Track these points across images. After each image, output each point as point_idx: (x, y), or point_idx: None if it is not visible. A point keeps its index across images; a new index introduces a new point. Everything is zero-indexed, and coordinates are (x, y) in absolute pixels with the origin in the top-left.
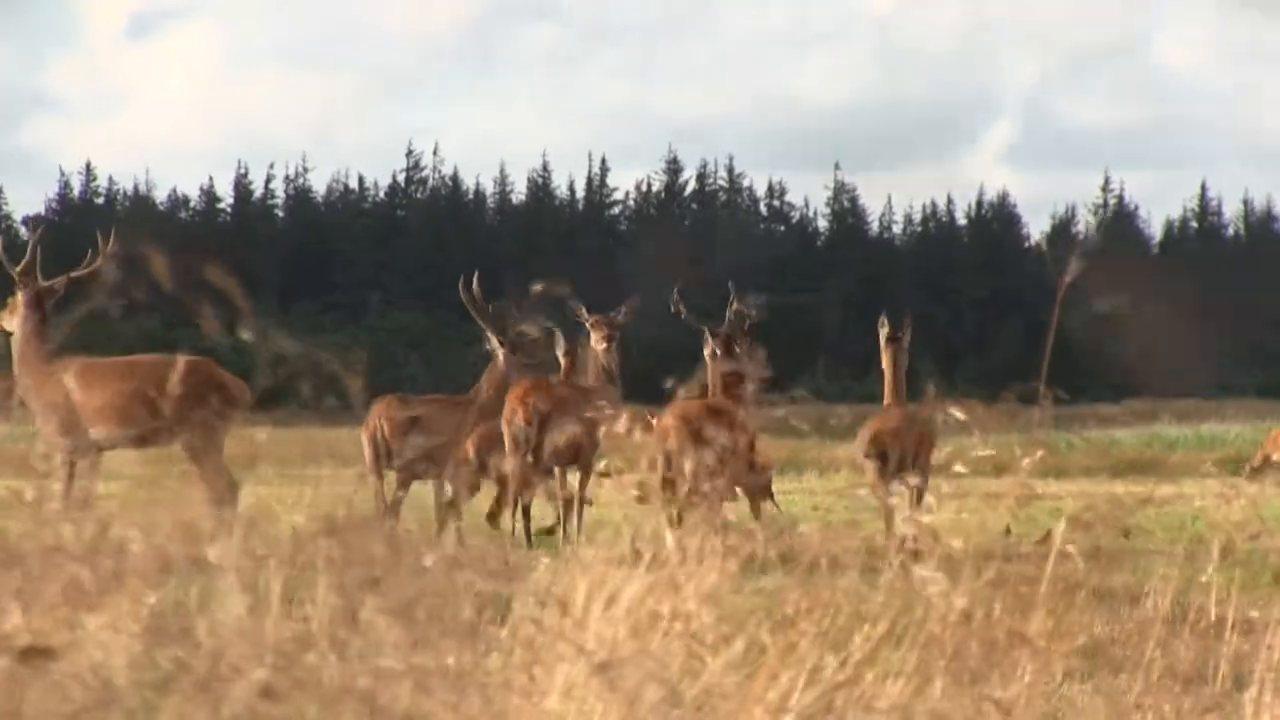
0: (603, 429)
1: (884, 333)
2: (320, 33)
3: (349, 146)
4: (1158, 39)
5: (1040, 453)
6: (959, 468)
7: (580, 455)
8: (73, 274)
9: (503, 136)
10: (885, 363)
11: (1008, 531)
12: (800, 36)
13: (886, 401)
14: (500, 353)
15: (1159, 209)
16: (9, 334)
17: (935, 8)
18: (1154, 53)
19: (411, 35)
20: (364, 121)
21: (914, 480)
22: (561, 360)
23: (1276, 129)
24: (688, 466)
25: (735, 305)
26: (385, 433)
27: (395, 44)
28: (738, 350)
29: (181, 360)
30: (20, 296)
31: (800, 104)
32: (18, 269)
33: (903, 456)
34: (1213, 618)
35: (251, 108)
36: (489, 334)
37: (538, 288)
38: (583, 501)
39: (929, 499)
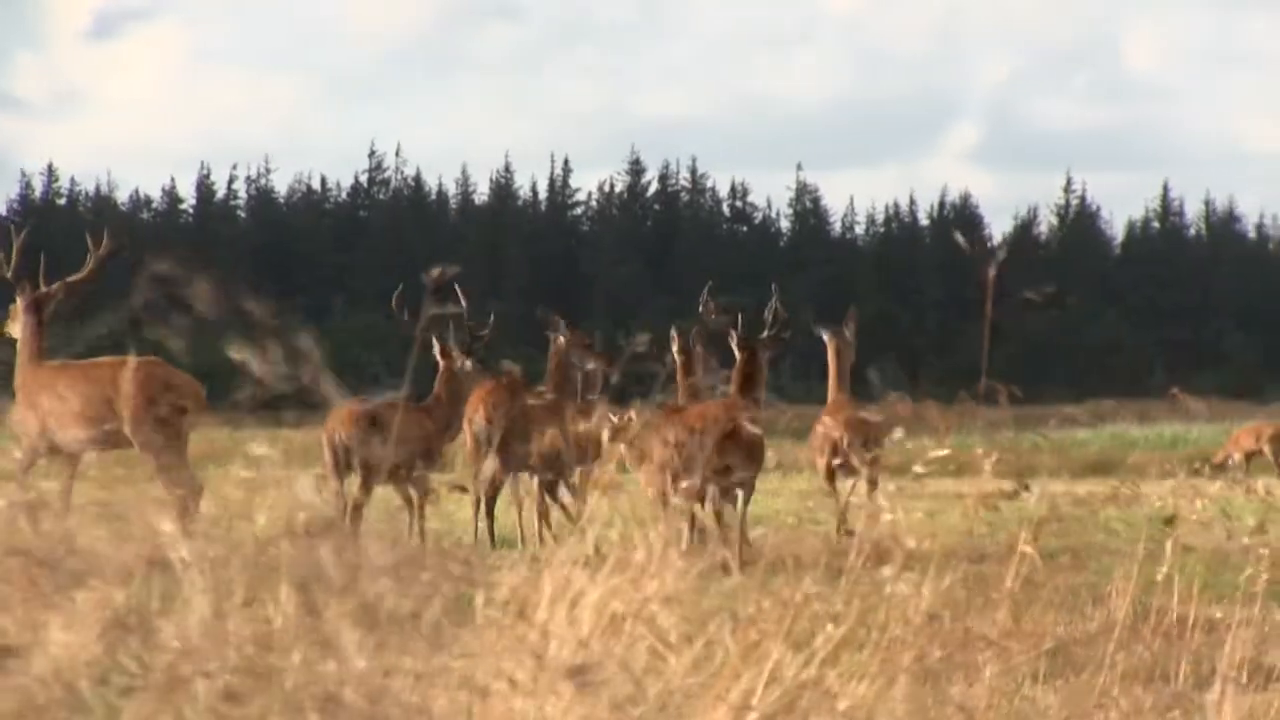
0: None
1: (825, 330)
2: (284, 34)
3: (312, 147)
4: (1124, 40)
5: (995, 455)
6: (918, 468)
7: (558, 462)
8: (70, 280)
9: (466, 137)
10: (830, 356)
11: (974, 532)
12: (766, 37)
13: (832, 396)
14: (447, 361)
15: (1123, 209)
16: (14, 340)
17: (903, 9)
18: (1120, 54)
19: (374, 36)
20: (327, 122)
21: (864, 472)
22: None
23: (1238, 129)
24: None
25: (775, 307)
26: (343, 437)
27: (358, 45)
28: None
29: (131, 361)
30: (20, 302)
31: (766, 105)
32: (9, 274)
33: (851, 447)
34: (1174, 617)
35: (214, 109)
36: (434, 341)
37: (434, 273)
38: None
39: (881, 499)
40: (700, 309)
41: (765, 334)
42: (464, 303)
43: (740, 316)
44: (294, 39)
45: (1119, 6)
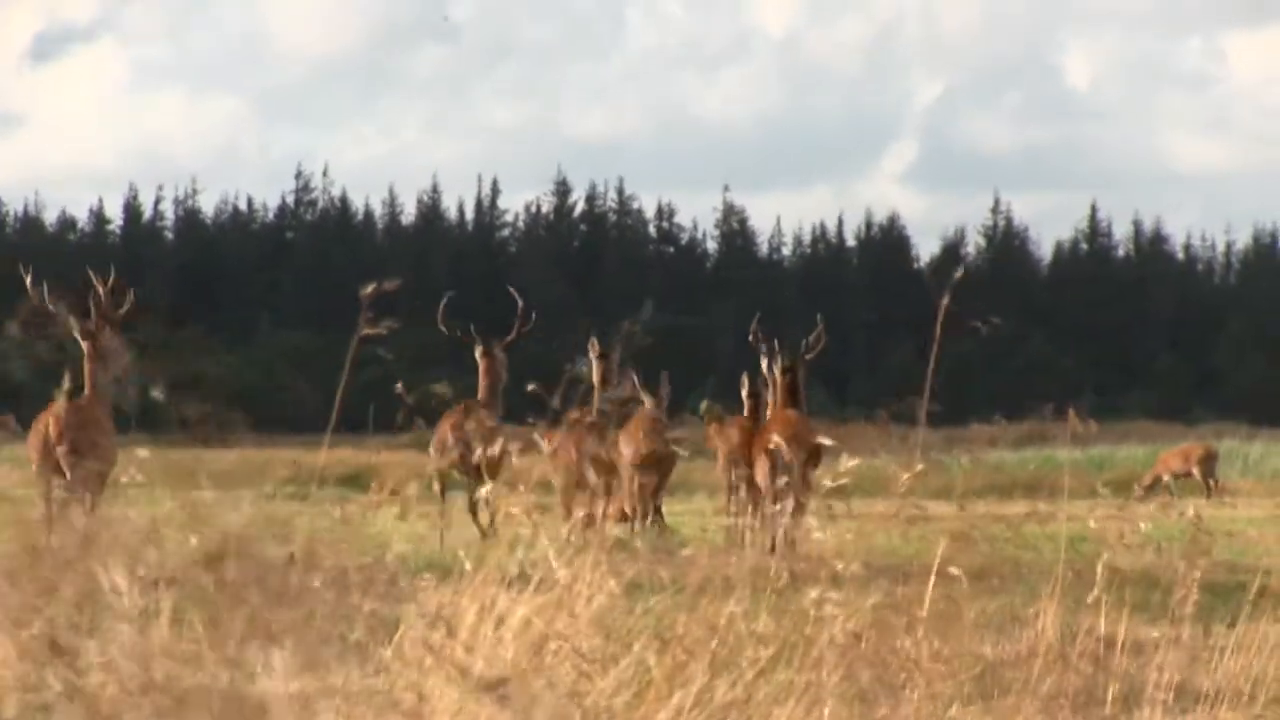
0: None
1: (779, 362)
2: (220, 54)
3: (241, 168)
4: (1058, 61)
5: (919, 468)
6: (827, 481)
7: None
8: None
9: (394, 157)
10: (777, 371)
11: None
12: (698, 57)
13: (780, 406)
14: (489, 360)
15: (1054, 230)
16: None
17: (837, 29)
18: (1053, 75)
19: (309, 56)
20: (257, 142)
21: (797, 490)
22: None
23: (1170, 149)
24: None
25: (820, 333)
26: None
27: (293, 65)
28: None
29: (57, 406)
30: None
31: (695, 125)
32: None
33: (794, 459)
34: (1102, 639)
35: (146, 129)
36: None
37: (367, 290)
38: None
39: (810, 519)
40: (750, 338)
41: (806, 356)
42: (518, 301)
43: (776, 342)
44: (230, 59)
45: (1054, 27)
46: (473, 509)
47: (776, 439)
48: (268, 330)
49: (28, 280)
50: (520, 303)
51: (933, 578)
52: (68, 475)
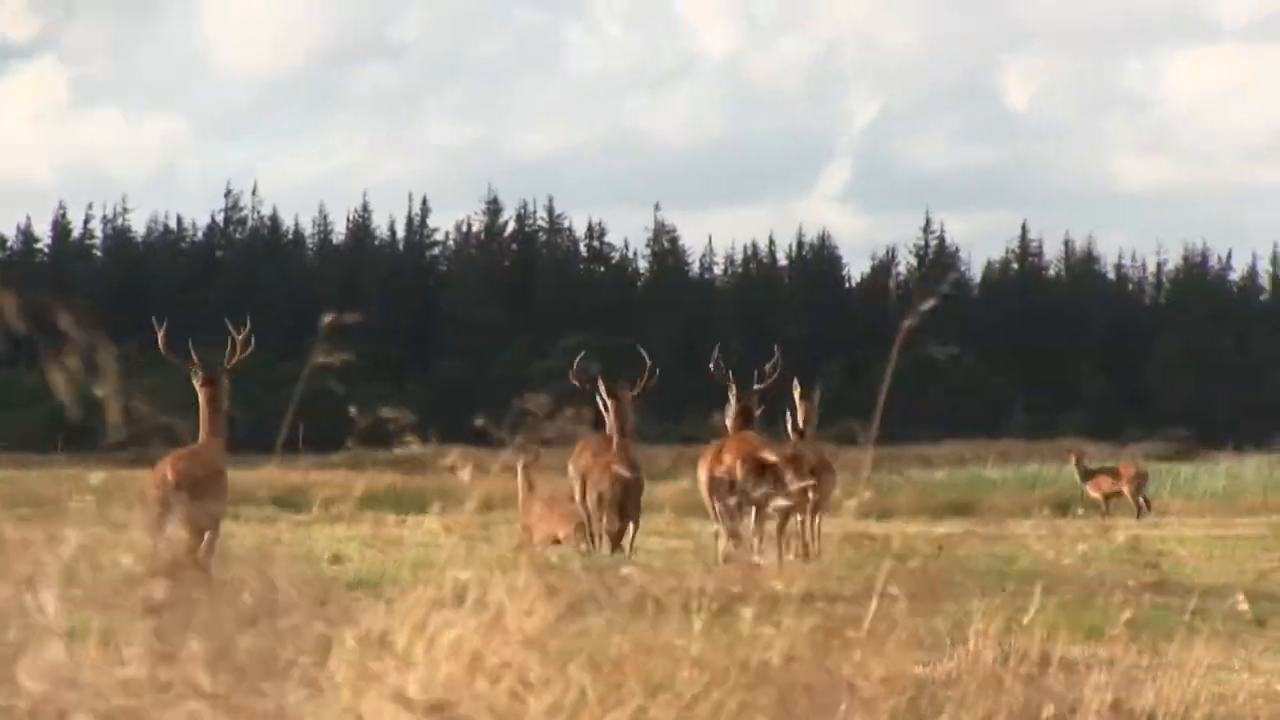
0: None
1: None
2: (161, 72)
3: (176, 186)
4: (996, 82)
5: (868, 494)
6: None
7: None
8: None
9: (330, 177)
10: (736, 406)
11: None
12: (640, 78)
13: (735, 429)
14: (618, 400)
15: (990, 250)
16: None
17: (779, 50)
18: (990, 96)
19: (253, 75)
20: (194, 161)
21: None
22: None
23: (1105, 170)
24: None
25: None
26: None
27: (236, 84)
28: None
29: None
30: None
31: (632, 145)
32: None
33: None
34: (1036, 658)
35: (80, 148)
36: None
37: (328, 319)
38: None
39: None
40: (711, 367)
41: (759, 386)
42: (646, 357)
43: (731, 372)
44: (171, 79)
45: (993, 49)
46: (616, 540)
47: (727, 461)
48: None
49: (161, 332)
50: (648, 359)
51: (876, 599)
52: (182, 518)
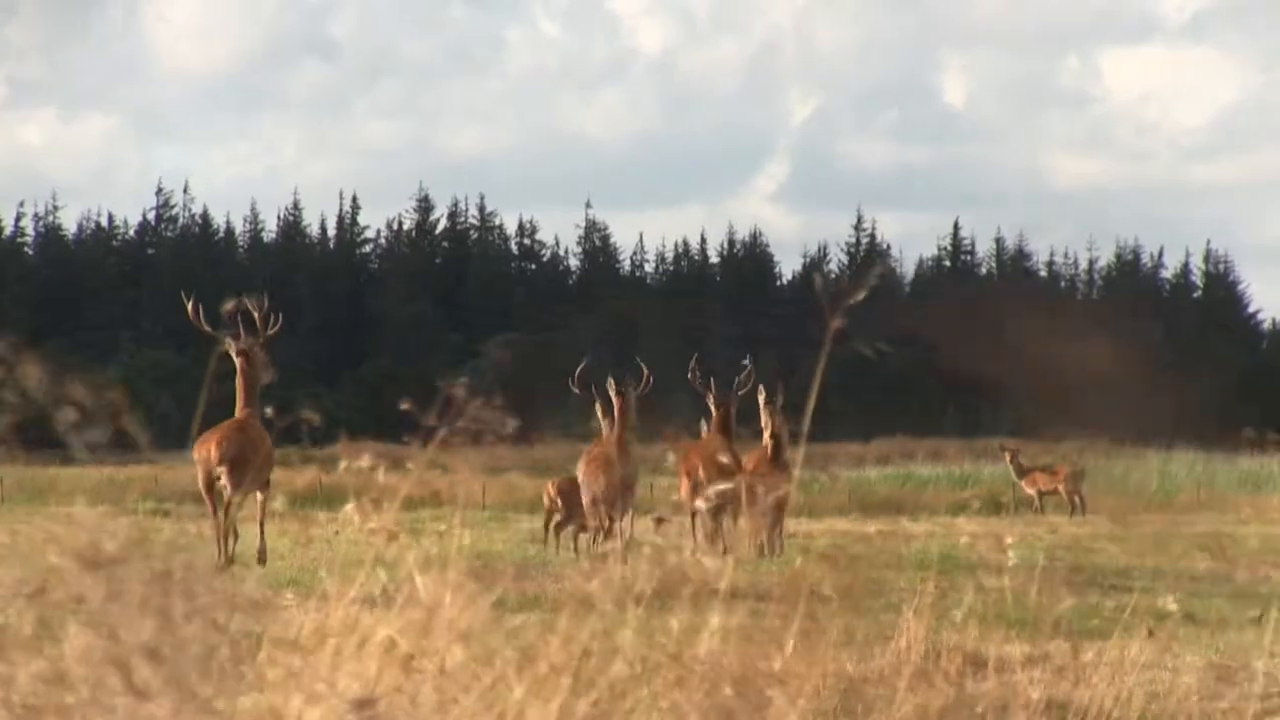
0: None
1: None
2: (93, 74)
3: (110, 185)
4: (934, 81)
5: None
6: (699, 503)
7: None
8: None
9: (263, 175)
10: (716, 412)
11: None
12: (576, 76)
13: (713, 432)
14: (622, 399)
15: (924, 248)
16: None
17: (716, 48)
18: (928, 94)
19: (189, 73)
20: (128, 161)
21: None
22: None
23: (1043, 168)
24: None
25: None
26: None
27: (171, 82)
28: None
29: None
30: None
31: (571, 144)
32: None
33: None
34: (968, 655)
35: (13, 147)
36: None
37: (229, 305)
38: None
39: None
40: (689, 375)
41: (737, 392)
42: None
43: (712, 380)
44: (107, 77)
45: (931, 47)
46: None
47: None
48: (129, 347)
49: (189, 304)
50: (646, 371)
51: (804, 597)
52: (230, 490)
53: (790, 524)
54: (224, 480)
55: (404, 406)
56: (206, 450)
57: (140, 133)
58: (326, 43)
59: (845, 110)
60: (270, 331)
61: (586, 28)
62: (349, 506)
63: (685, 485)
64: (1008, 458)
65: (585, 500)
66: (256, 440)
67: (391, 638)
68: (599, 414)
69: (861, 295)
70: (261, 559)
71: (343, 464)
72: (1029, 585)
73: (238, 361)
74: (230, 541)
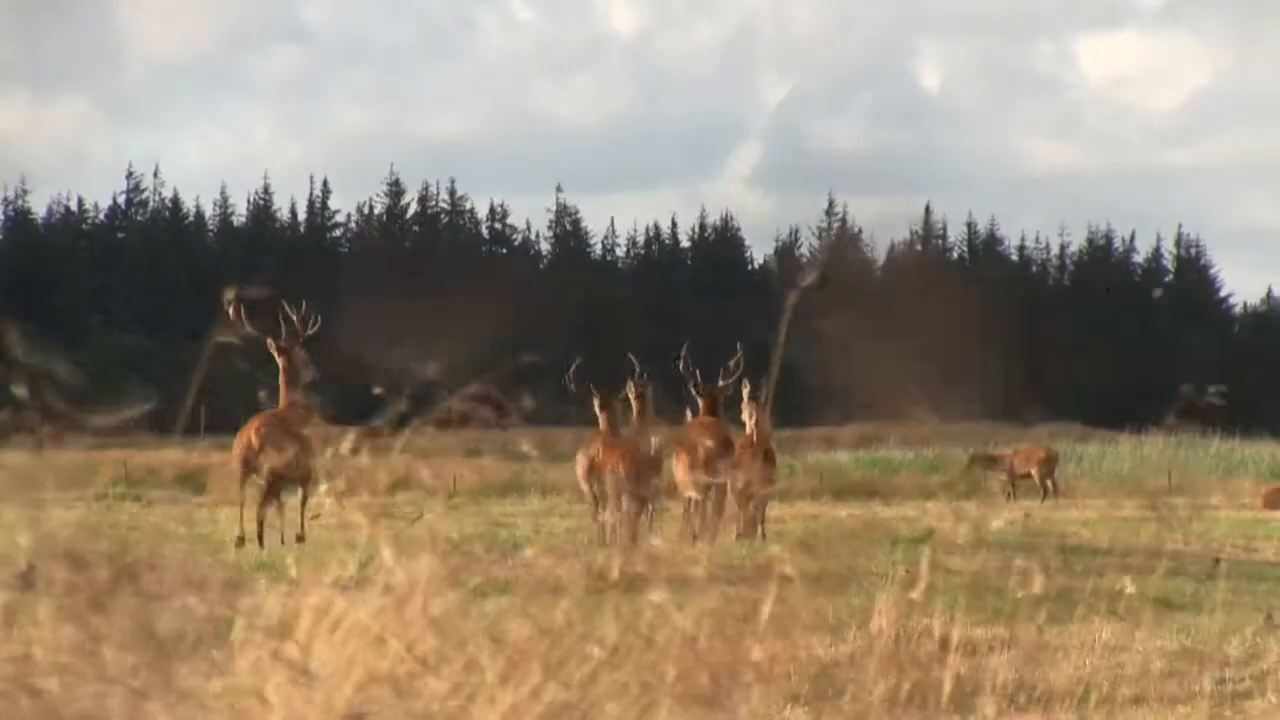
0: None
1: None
2: (66, 58)
3: (82, 170)
4: (909, 65)
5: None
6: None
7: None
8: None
9: (231, 159)
10: (703, 399)
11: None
12: (549, 60)
13: (703, 414)
14: (641, 402)
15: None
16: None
17: (688, 32)
18: (903, 78)
19: (161, 57)
20: (100, 145)
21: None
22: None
23: (1017, 152)
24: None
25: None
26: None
27: (143, 66)
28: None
29: (259, 417)
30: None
31: (544, 128)
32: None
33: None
34: (937, 639)
35: None
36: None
37: (229, 295)
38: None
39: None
40: (680, 364)
41: (722, 383)
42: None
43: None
44: (80, 60)
45: (906, 31)
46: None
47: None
48: (99, 331)
49: (228, 302)
50: (638, 369)
51: (776, 581)
52: (264, 474)
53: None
54: (259, 464)
55: (376, 391)
56: (246, 436)
57: (111, 116)
58: (300, 27)
59: (820, 94)
60: (310, 331)
61: (559, 11)
62: (323, 489)
63: (682, 467)
64: (970, 460)
65: (611, 490)
66: (294, 430)
67: (365, 621)
68: (597, 409)
69: (812, 278)
70: (301, 538)
71: (329, 450)
72: (999, 569)
73: (279, 359)
74: (263, 525)
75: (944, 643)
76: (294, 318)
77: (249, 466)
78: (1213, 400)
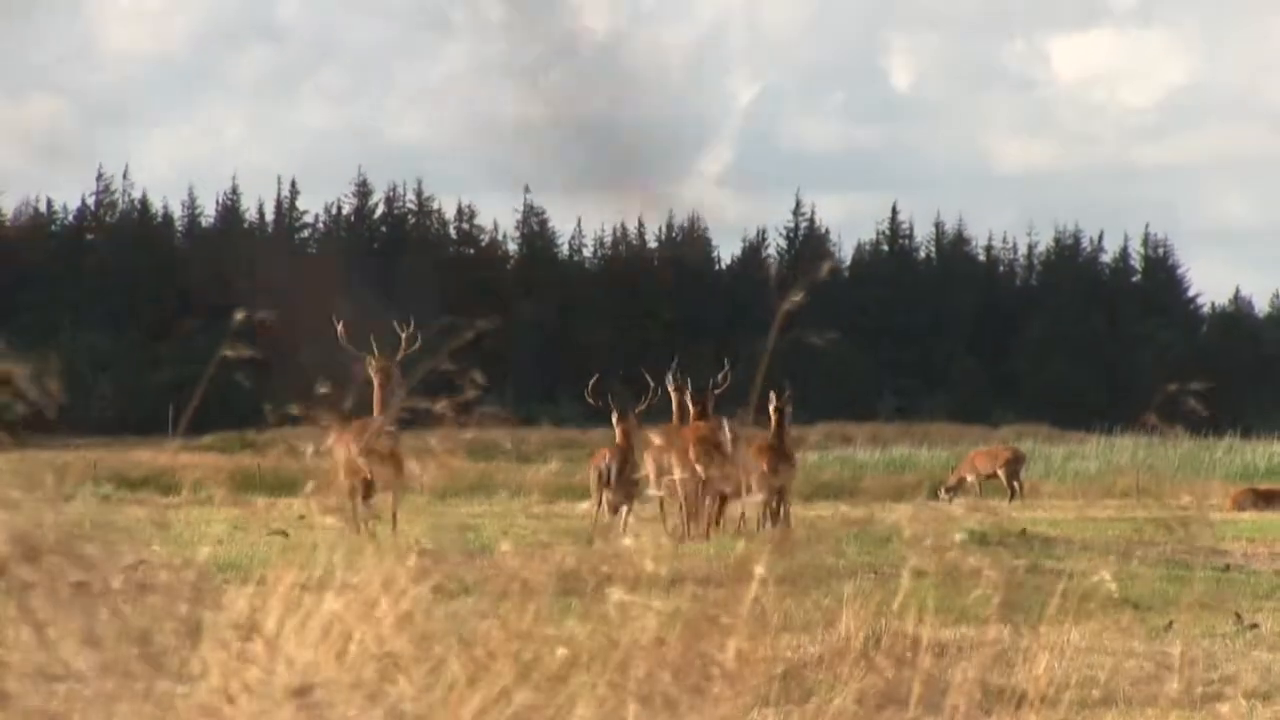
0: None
1: (772, 405)
2: (38, 56)
3: (49, 169)
4: (880, 63)
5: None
6: (651, 491)
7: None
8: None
9: (200, 159)
10: (693, 405)
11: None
12: (519, 62)
13: (694, 418)
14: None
15: (859, 232)
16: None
17: (660, 31)
18: (875, 76)
19: (132, 58)
20: (72, 145)
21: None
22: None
23: (988, 151)
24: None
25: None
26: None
27: (114, 67)
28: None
29: (355, 426)
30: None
31: (506, 128)
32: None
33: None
34: (907, 640)
35: None
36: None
37: (240, 315)
38: None
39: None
40: (672, 378)
41: (715, 390)
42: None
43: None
44: (52, 60)
45: (878, 29)
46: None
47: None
48: (68, 331)
49: (339, 327)
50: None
51: (753, 583)
52: (364, 478)
53: (730, 508)
54: (357, 470)
55: (322, 390)
56: (344, 445)
57: (82, 116)
58: (273, 26)
59: (790, 93)
60: (410, 350)
61: (531, 11)
62: (308, 489)
63: (678, 466)
64: (943, 494)
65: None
66: (387, 441)
67: (332, 621)
68: (614, 421)
69: (799, 296)
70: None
71: (309, 448)
72: (966, 570)
73: (375, 377)
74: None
75: (914, 643)
76: (402, 335)
77: (349, 472)
78: (1194, 399)
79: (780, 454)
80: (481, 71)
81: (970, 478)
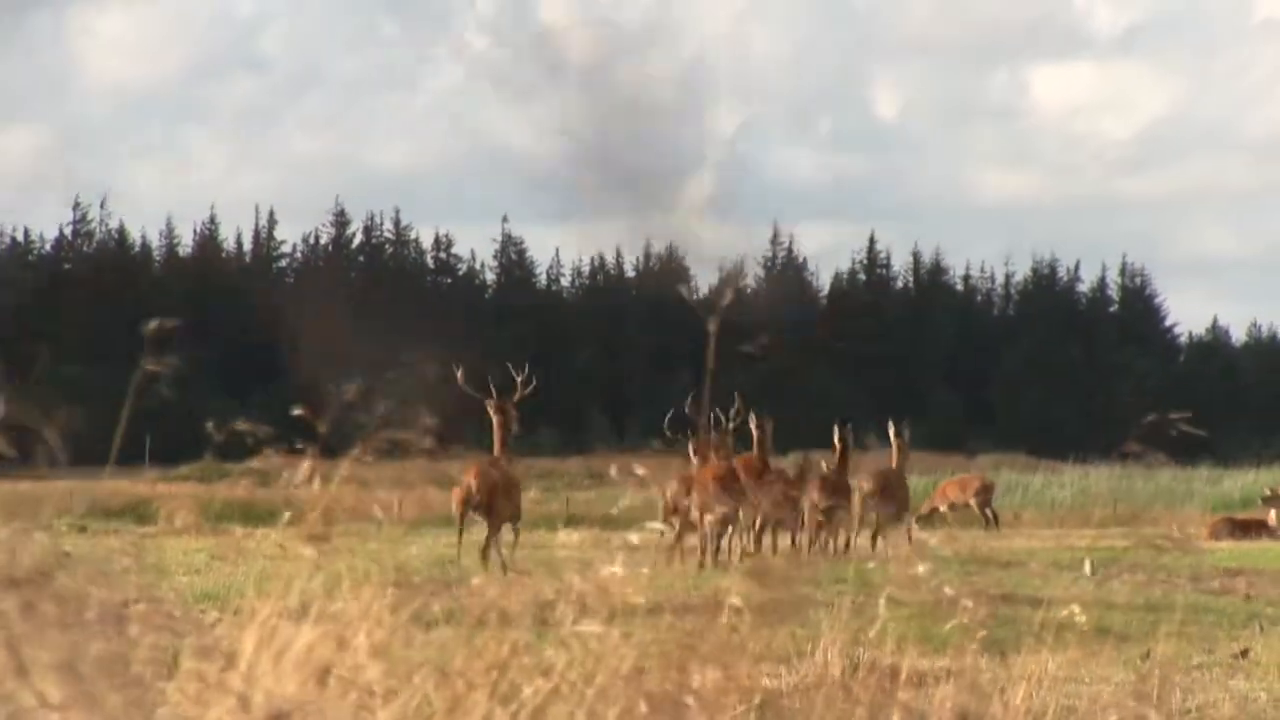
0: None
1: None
2: (22, 87)
3: (32, 200)
4: (864, 94)
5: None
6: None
7: None
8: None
9: (179, 190)
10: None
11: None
12: (503, 90)
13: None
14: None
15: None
16: None
17: (644, 60)
18: (858, 107)
19: (116, 87)
20: (55, 175)
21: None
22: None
23: (970, 181)
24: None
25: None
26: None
27: (93, 98)
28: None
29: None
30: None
31: (496, 158)
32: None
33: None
34: (885, 669)
35: None
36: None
37: (151, 326)
38: None
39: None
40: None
41: (730, 425)
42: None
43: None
44: (34, 91)
45: (862, 59)
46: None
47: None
48: (45, 363)
49: (458, 372)
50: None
51: (727, 611)
52: (484, 515)
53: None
54: (477, 505)
55: (297, 412)
56: (467, 480)
57: (62, 146)
58: (256, 57)
59: (775, 123)
60: (526, 392)
61: (514, 40)
62: (285, 518)
63: (696, 500)
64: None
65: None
66: (506, 477)
67: (309, 650)
68: (691, 452)
69: (728, 299)
70: (505, 570)
71: (284, 474)
72: (943, 598)
73: (495, 416)
74: (489, 554)
75: (892, 673)
76: (516, 379)
77: (469, 507)
78: (1182, 427)
79: (838, 485)
80: (464, 97)
81: (942, 507)
